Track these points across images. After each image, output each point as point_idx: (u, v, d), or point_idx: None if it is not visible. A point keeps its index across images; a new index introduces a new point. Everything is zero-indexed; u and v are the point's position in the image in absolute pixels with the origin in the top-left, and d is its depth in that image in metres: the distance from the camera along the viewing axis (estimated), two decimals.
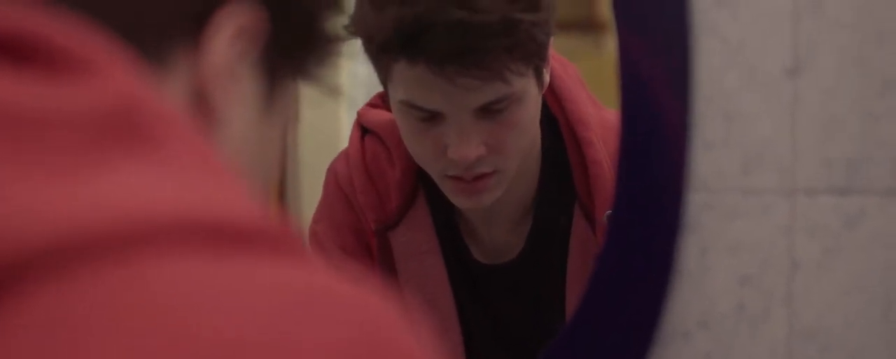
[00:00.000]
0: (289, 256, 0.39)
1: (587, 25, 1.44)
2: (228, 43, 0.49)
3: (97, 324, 0.34)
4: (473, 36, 1.03)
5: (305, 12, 0.54)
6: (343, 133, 1.31)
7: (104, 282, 0.35)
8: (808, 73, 0.96)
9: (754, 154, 0.98)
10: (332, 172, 1.27)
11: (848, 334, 0.97)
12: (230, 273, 0.37)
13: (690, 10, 0.98)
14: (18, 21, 0.40)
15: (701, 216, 1.00)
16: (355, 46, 1.11)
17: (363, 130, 1.25)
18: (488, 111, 1.10)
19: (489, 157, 1.11)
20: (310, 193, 1.38)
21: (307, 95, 0.58)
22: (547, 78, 1.14)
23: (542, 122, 1.17)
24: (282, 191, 1.58)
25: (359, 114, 1.27)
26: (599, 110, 1.19)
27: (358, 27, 1.09)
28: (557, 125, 1.19)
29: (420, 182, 1.22)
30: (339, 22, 0.56)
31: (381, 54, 1.10)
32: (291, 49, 0.53)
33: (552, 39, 1.11)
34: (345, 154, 1.26)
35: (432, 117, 1.11)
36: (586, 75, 1.22)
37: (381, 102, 1.25)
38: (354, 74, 1.36)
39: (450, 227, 1.24)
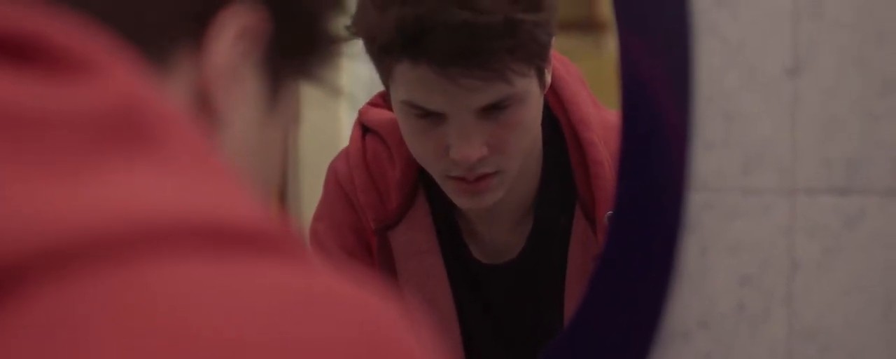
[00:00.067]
0: (289, 257, 0.39)
1: (587, 25, 1.44)
2: (231, 43, 0.49)
3: (97, 324, 0.34)
4: (476, 37, 1.03)
5: (308, 13, 0.54)
6: (343, 132, 1.31)
7: (104, 283, 0.35)
8: (808, 73, 0.96)
9: (754, 154, 0.98)
10: (332, 171, 1.27)
11: (848, 334, 0.97)
12: (230, 274, 0.37)
13: (690, 10, 0.98)
14: (19, 21, 0.40)
15: (701, 216, 1.00)
16: (356, 46, 1.11)
17: (364, 128, 1.25)
18: (490, 112, 1.10)
19: (491, 157, 1.11)
20: (310, 192, 1.38)
21: (308, 94, 0.58)
22: (549, 78, 1.14)
23: (543, 122, 1.17)
24: (282, 190, 1.58)
25: (360, 113, 1.27)
26: (600, 110, 1.19)
27: (360, 28, 1.09)
28: (559, 125, 1.19)
29: (420, 181, 1.22)
30: (341, 22, 0.56)
31: (384, 55, 1.09)
32: (294, 50, 0.53)
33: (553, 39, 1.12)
34: (345, 153, 1.26)
35: (434, 118, 1.11)
36: (586, 75, 1.22)
37: (382, 101, 1.25)
38: (355, 74, 1.36)
39: (450, 226, 1.24)
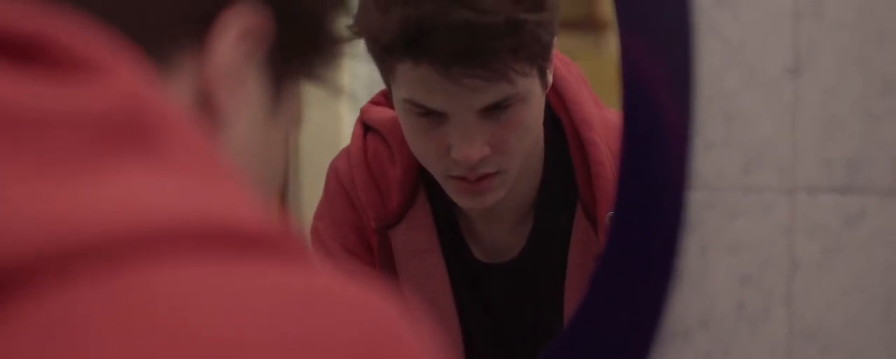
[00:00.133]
0: (289, 258, 0.39)
1: (588, 25, 1.44)
2: (234, 44, 0.49)
3: (98, 325, 0.34)
4: (478, 37, 1.03)
5: (310, 13, 0.54)
6: (344, 131, 1.31)
7: (105, 284, 0.35)
8: (808, 72, 0.96)
9: (755, 154, 0.98)
10: (333, 170, 1.27)
11: (848, 334, 0.97)
12: (230, 274, 0.37)
13: (691, 9, 0.98)
14: (21, 20, 0.40)
15: (701, 215, 1.00)
16: (357, 45, 1.11)
17: (365, 127, 1.25)
18: (492, 111, 1.10)
19: (493, 157, 1.11)
20: (311, 191, 1.38)
21: (308, 93, 0.58)
22: (550, 78, 1.14)
23: (545, 122, 1.17)
24: (283, 189, 1.58)
25: (361, 111, 1.27)
26: (602, 110, 1.19)
27: (362, 28, 1.09)
28: (560, 125, 1.19)
29: (421, 181, 1.22)
30: (343, 23, 0.56)
31: (386, 55, 1.09)
32: (297, 50, 0.53)
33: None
34: (346, 151, 1.26)
35: (436, 117, 1.11)
36: (587, 75, 1.22)
37: (384, 99, 1.25)
38: (356, 73, 1.36)
39: (450, 226, 1.24)
